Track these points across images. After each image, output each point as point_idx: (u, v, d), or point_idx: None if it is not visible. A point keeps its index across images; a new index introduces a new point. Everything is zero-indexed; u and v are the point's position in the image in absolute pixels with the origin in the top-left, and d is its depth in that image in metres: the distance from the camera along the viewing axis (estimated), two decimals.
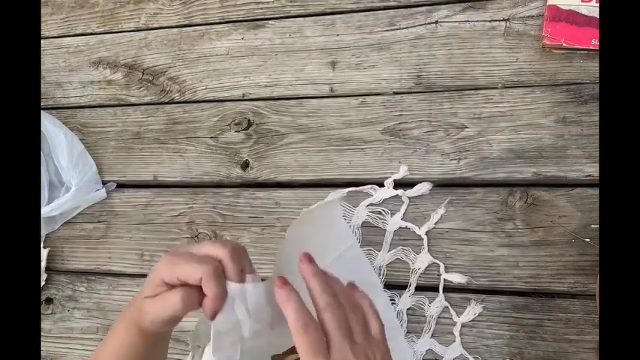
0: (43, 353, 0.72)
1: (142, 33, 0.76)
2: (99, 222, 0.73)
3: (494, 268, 0.61)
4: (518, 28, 0.63)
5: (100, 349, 0.43)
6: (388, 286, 0.63)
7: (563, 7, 0.60)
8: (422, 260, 0.62)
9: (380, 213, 0.64)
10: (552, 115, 0.61)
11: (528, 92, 0.62)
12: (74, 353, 0.71)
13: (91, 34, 0.78)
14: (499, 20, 0.64)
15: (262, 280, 0.39)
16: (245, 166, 0.70)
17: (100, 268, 0.72)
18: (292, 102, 0.69)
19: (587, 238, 0.58)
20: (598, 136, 0.59)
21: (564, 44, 0.60)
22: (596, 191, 0.59)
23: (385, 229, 0.64)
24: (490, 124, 0.62)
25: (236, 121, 0.70)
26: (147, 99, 0.74)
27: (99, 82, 0.77)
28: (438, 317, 0.61)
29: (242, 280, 0.37)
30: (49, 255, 0.73)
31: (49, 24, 0.80)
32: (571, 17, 0.60)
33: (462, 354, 0.60)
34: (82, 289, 0.72)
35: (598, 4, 0.59)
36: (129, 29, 0.77)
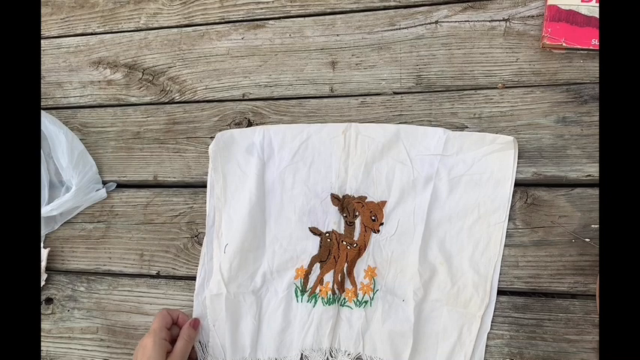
0: (43, 353, 0.72)
1: (142, 33, 0.76)
2: (99, 222, 0.73)
3: None
4: (518, 28, 0.63)
5: None
6: None
7: (563, 7, 0.60)
8: None
9: None
10: (552, 115, 0.61)
11: (528, 92, 0.62)
12: (74, 353, 0.71)
13: (91, 34, 0.78)
14: (499, 20, 0.64)
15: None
16: None
17: (99, 268, 0.72)
18: (292, 102, 0.69)
19: (587, 238, 0.58)
20: (598, 136, 0.59)
21: (564, 44, 0.60)
22: (596, 191, 0.59)
23: None
24: (490, 124, 0.62)
25: (236, 121, 0.70)
26: (147, 99, 0.74)
27: (99, 82, 0.77)
28: None
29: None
30: (49, 255, 0.73)
31: (49, 24, 0.80)
32: (571, 17, 0.60)
33: None
34: (82, 289, 0.72)
35: (598, 4, 0.59)
36: (129, 29, 0.77)
